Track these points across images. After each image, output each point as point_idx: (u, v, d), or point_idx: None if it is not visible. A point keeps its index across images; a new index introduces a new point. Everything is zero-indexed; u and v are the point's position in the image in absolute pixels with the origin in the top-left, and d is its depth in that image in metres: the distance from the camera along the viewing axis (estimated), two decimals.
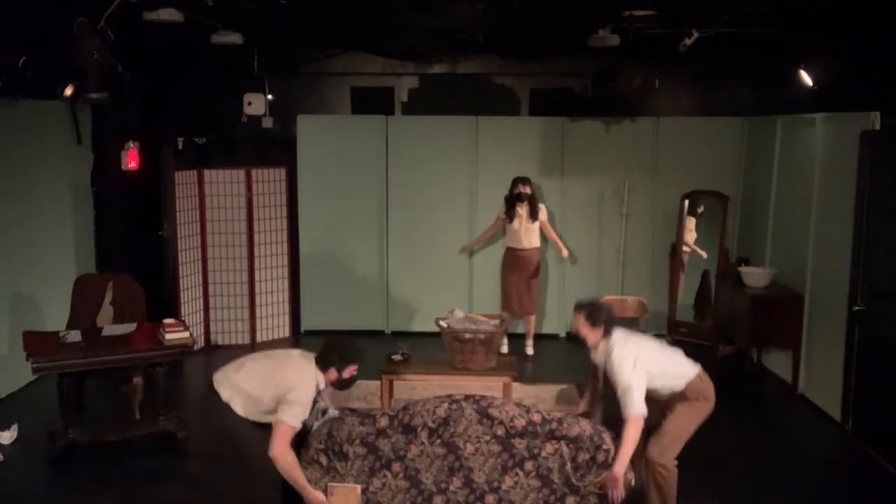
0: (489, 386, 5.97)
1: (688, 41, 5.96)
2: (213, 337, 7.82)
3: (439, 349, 5.81)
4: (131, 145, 7.18)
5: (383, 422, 4.02)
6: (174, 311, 7.18)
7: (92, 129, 7.33)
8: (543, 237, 7.50)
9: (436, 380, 5.90)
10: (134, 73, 6.60)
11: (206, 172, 7.62)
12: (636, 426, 3.95)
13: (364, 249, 8.03)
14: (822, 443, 5.70)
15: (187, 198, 7.48)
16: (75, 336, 5.35)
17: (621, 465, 3.90)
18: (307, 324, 8.15)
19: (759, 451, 5.45)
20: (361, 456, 4.01)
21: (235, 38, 6.44)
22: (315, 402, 4.12)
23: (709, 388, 4.27)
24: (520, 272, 7.33)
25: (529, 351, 7.52)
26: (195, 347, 6.31)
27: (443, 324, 6.30)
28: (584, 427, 4.03)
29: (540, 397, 6.30)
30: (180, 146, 7.75)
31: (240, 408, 4.08)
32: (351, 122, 8.06)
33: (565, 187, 7.91)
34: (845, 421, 5.76)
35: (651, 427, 4.18)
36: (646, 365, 4.08)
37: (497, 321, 6.11)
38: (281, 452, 3.84)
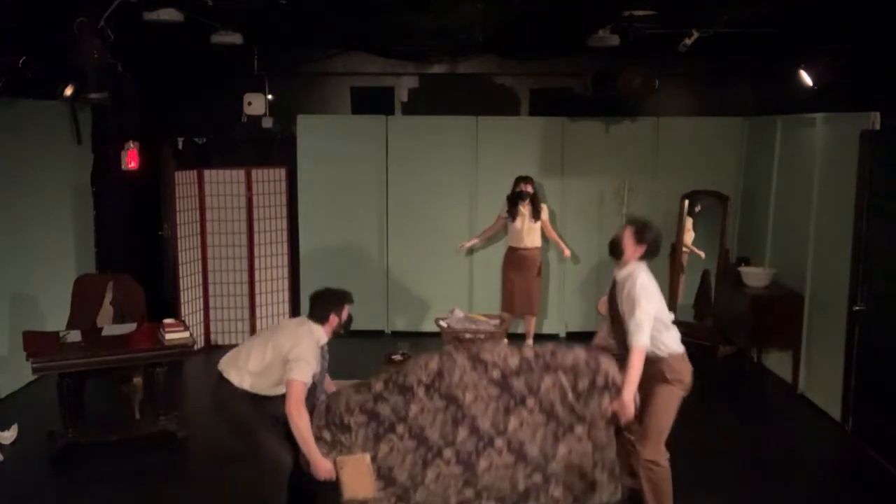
0: None
1: (688, 41, 5.96)
2: (213, 337, 7.82)
3: (439, 349, 5.80)
4: (131, 145, 7.18)
5: (378, 386, 4.03)
6: (174, 311, 7.18)
7: (92, 129, 7.33)
8: (545, 237, 7.50)
9: None
10: (134, 73, 6.60)
11: (206, 172, 7.63)
12: (641, 356, 3.97)
13: (364, 249, 8.03)
14: (822, 443, 5.70)
15: (187, 198, 7.49)
16: (75, 336, 5.35)
17: (629, 391, 3.93)
18: None
19: (759, 451, 5.45)
20: (363, 424, 4.00)
21: (235, 38, 6.45)
22: (323, 358, 4.23)
23: (687, 371, 4.25)
24: (521, 271, 7.29)
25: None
26: (195, 347, 6.31)
27: (443, 324, 6.32)
28: (579, 354, 4.04)
29: None
30: (180, 146, 7.76)
31: (252, 387, 4.07)
32: (351, 122, 8.06)
33: (565, 187, 7.91)
34: (845, 421, 5.76)
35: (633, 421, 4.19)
36: (657, 308, 4.09)
37: (497, 321, 6.13)
38: (297, 409, 3.85)
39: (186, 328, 5.54)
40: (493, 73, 8.14)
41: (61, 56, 5.16)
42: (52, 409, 5.39)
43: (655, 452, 4.20)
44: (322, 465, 3.92)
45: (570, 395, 3.99)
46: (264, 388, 4.07)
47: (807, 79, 6.00)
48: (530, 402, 3.99)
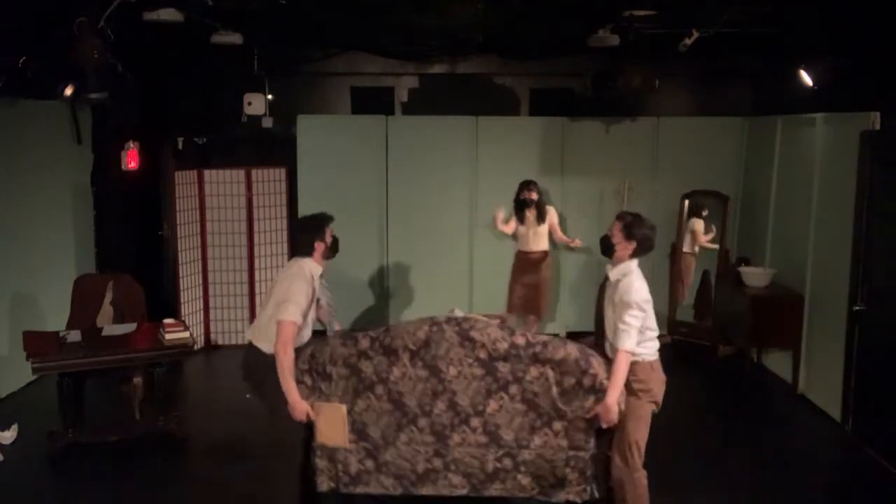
0: None
1: (688, 41, 5.96)
2: (213, 337, 7.82)
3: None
4: (131, 145, 7.18)
5: (364, 343, 4.05)
6: (174, 311, 7.18)
7: (92, 129, 7.33)
8: (553, 240, 7.39)
9: None
10: (134, 73, 6.58)
11: (206, 172, 7.63)
12: (626, 360, 3.87)
13: (364, 249, 8.03)
14: (822, 443, 5.70)
15: (187, 198, 7.49)
16: (75, 336, 5.35)
17: (613, 395, 3.85)
18: None
19: (759, 451, 5.45)
20: (345, 377, 4.06)
21: (235, 38, 6.45)
22: (324, 292, 4.37)
23: (655, 381, 4.04)
24: (529, 275, 7.22)
25: None
26: (195, 347, 6.32)
27: None
28: (570, 350, 3.97)
29: None
30: (180, 146, 7.75)
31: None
32: (351, 122, 8.06)
33: (565, 187, 7.91)
34: (845, 421, 5.76)
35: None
36: (647, 317, 3.96)
37: (497, 321, 6.12)
38: (283, 348, 3.96)
39: (186, 328, 5.54)
40: (493, 73, 8.14)
41: (61, 56, 5.16)
42: (52, 409, 5.39)
43: (625, 467, 4.05)
44: (298, 407, 4.00)
45: (555, 391, 3.96)
46: None
47: (807, 79, 6.00)
48: (513, 389, 3.99)
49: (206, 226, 7.67)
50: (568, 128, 7.90)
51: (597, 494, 4.12)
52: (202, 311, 7.72)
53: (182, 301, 7.41)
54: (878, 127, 5.46)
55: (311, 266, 4.22)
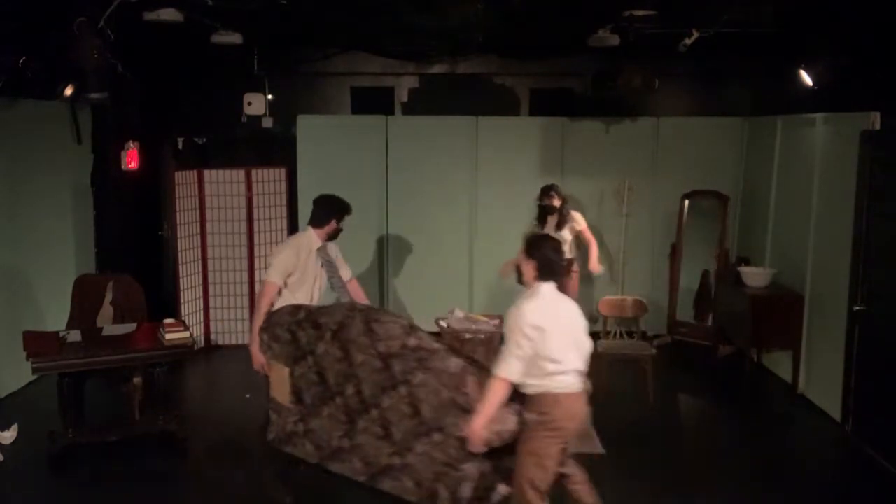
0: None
1: (688, 41, 5.96)
2: (213, 337, 7.82)
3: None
4: (131, 145, 7.17)
5: (301, 314, 4.27)
6: (174, 311, 7.18)
7: (92, 129, 7.33)
8: (577, 246, 7.14)
9: None
10: (134, 73, 6.59)
11: (206, 172, 7.62)
12: (501, 387, 3.58)
13: (364, 249, 8.02)
14: (822, 443, 5.70)
15: (187, 198, 7.49)
16: (75, 336, 5.35)
17: (478, 420, 3.58)
18: None
19: (759, 451, 5.45)
20: (287, 342, 4.29)
21: (235, 38, 6.45)
22: (324, 265, 4.84)
23: (562, 416, 3.65)
24: None
25: None
26: (195, 347, 6.31)
27: (443, 324, 6.31)
28: (451, 364, 3.81)
29: None
30: (180, 146, 7.75)
31: None
32: (351, 122, 8.06)
33: (565, 187, 7.87)
34: (845, 421, 5.76)
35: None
36: (540, 348, 3.60)
37: (497, 321, 6.12)
38: (259, 304, 4.64)
39: (186, 328, 5.54)
40: (493, 73, 8.14)
41: (61, 56, 5.16)
42: (52, 409, 5.39)
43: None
44: (255, 358, 4.55)
45: (434, 401, 3.83)
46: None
47: (807, 79, 6.00)
48: (402, 389, 3.90)
49: (206, 226, 7.66)
50: (568, 128, 7.90)
51: None
52: (202, 311, 7.72)
53: (182, 301, 7.41)
54: (878, 127, 5.46)
55: (310, 238, 4.66)
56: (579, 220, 7.06)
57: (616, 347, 6.59)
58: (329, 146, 7.92)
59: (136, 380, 5.63)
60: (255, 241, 7.75)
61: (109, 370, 5.33)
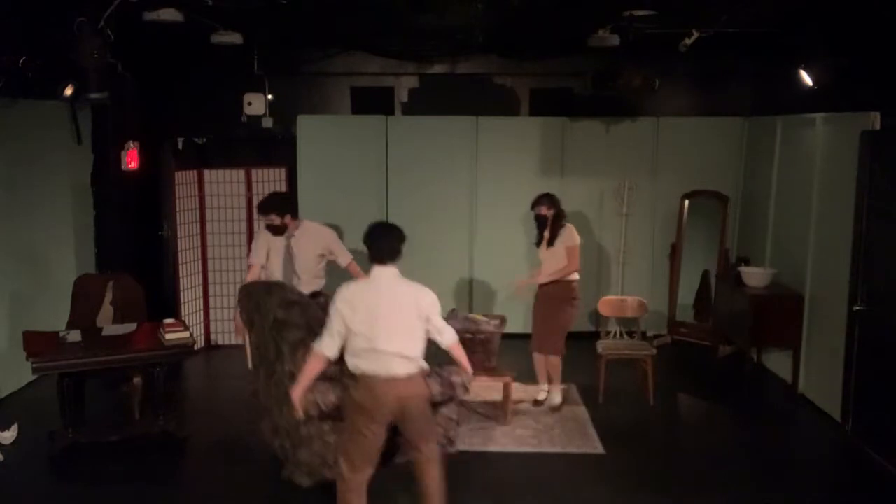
0: (489, 386, 5.98)
1: (688, 41, 5.96)
2: (213, 337, 7.82)
3: None
4: (131, 145, 7.17)
5: (260, 289, 4.92)
6: (174, 311, 7.18)
7: (92, 129, 7.33)
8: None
9: None
10: (134, 73, 6.60)
11: (206, 172, 7.63)
12: (314, 360, 3.85)
13: (363, 249, 8.01)
14: (822, 443, 5.70)
15: (187, 198, 7.49)
16: (75, 336, 5.35)
17: (294, 390, 3.90)
18: None
19: (758, 451, 5.45)
20: (252, 311, 4.83)
21: (235, 38, 6.45)
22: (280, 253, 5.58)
23: (366, 396, 3.75)
24: (539, 303, 6.13)
25: (556, 399, 6.12)
26: (195, 347, 6.31)
27: None
28: (292, 335, 4.40)
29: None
30: (180, 146, 7.76)
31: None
32: (351, 122, 8.06)
33: (565, 187, 7.90)
34: (845, 421, 5.76)
35: None
36: (349, 322, 3.76)
37: (497, 321, 6.11)
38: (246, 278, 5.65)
39: (186, 328, 5.54)
40: (493, 73, 8.14)
41: (61, 56, 5.17)
42: (52, 409, 5.39)
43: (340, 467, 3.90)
44: (236, 323, 5.30)
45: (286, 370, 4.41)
46: (311, 281, 5.76)
47: (807, 79, 6.00)
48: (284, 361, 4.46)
49: (206, 226, 7.67)
50: (568, 128, 7.90)
51: (304, 483, 4.35)
52: (202, 311, 7.72)
53: (182, 301, 7.41)
54: (878, 127, 5.45)
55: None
56: (569, 238, 5.93)
57: (616, 347, 6.58)
58: (329, 146, 7.92)
59: (136, 380, 5.65)
60: None
61: (109, 370, 5.35)
